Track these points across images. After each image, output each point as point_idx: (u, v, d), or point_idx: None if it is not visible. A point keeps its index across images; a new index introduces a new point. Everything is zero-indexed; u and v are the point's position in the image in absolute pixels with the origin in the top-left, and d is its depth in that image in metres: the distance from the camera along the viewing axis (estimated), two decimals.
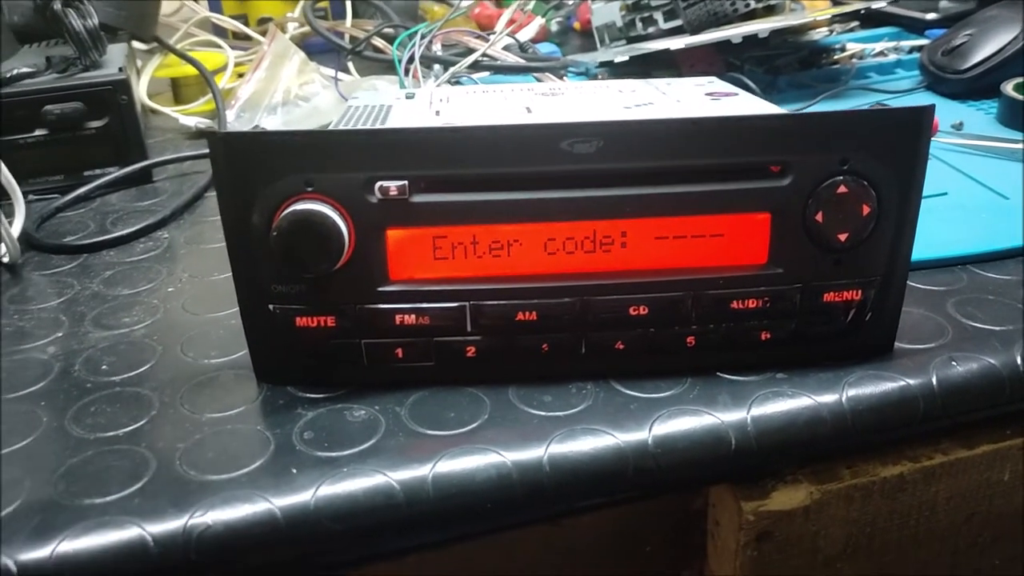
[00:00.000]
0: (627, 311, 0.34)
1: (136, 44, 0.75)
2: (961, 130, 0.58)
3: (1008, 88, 0.59)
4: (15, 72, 0.56)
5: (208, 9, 0.90)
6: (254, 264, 0.33)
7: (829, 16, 0.75)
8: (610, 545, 0.39)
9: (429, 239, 0.33)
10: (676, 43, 0.65)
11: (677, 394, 0.34)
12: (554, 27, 0.94)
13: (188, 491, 0.30)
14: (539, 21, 0.84)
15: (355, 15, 0.88)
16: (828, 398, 0.34)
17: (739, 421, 0.33)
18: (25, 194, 0.50)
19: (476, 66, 0.68)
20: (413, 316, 0.34)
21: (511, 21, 0.74)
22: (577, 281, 0.34)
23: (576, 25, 0.95)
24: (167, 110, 0.72)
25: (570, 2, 0.93)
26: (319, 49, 0.84)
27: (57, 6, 0.58)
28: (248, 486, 0.30)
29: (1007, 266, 0.42)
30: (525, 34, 0.78)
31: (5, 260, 0.47)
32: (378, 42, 0.76)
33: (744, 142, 0.32)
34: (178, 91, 0.79)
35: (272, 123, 0.67)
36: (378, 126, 0.39)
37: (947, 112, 0.61)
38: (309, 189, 0.32)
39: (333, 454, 0.31)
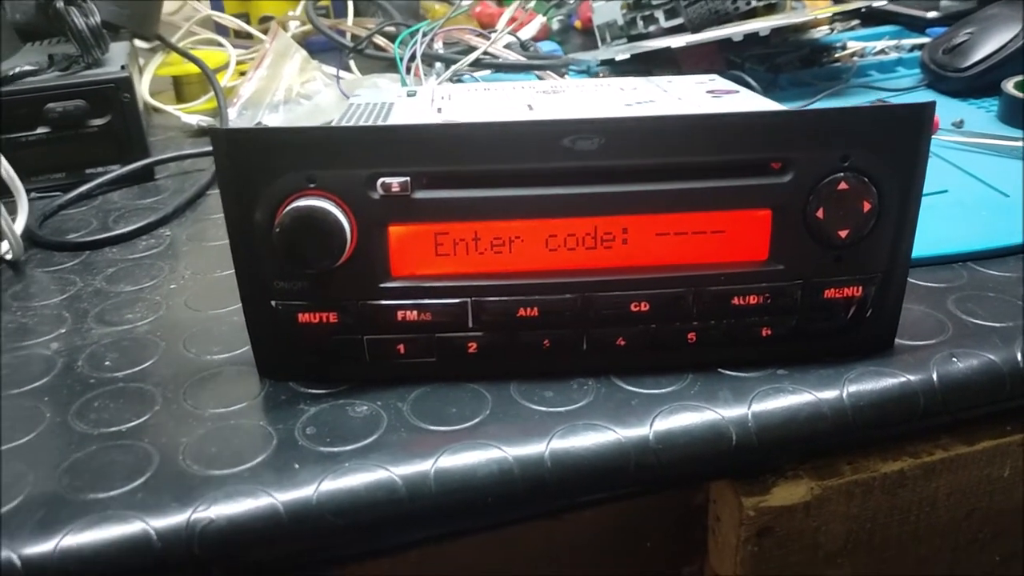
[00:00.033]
0: (628, 307, 0.34)
1: (138, 42, 0.75)
2: (962, 128, 0.58)
3: (1009, 86, 0.60)
4: (17, 70, 0.56)
5: (210, 7, 0.90)
6: (256, 260, 0.33)
7: (830, 14, 0.75)
8: (611, 540, 0.39)
9: (431, 235, 0.33)
10: (677, 41, 0.65)
11: (678, 390, 0.34)
12: (555, 25, 0.94)
13: (191, 486, 0.30)
14: (540, 19, 0.84)
15: (357, 13, 0.88)
16: (829, 394, 0.34)
17: (740, 417, 0.33)
18: (28, 191, 0.50)
19: (477, 64, 0.68)
20: (415, 312, 0.34)
21: (512, 19, 0.74)
22: (578, 277, 0.34)
23: (577, 23, 0.95)
24: (169, 108, 0.72)
25: (571, 0, 0.93)
26: (321, 47, 0.84)
27: (59, 4, 0.58)
28: (251, 481, 0.30)
29: (1007, 263, 0.42)
30: (526, 32, 0.78)
31: (8, 257, 0.48)
32: (380, 40, 0.76)
33: (745, 139, 0.33)
34: (180, 89, 0.79)
35: (274, 121, 0.67)
36: (380, 123, 0.39)
37: (948, 110, 0.61)
38: (311, 185, 0.32)
39: (335, 449, 0.32)
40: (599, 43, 0.80)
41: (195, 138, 0.69)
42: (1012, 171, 0.51)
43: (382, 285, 0.33)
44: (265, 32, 0.83)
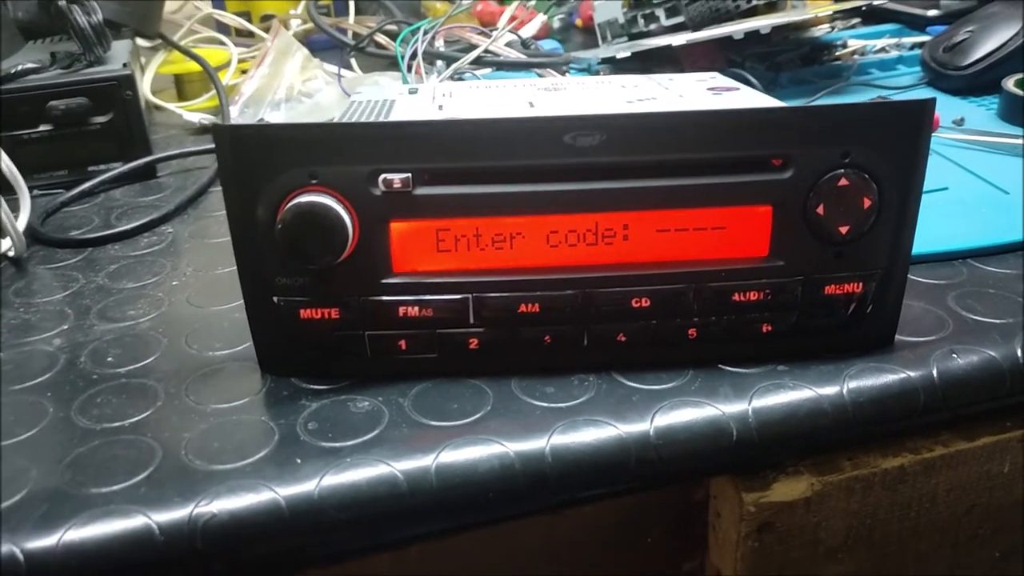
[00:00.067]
0: (629, 303, 0.34)
1: (140, 41, 0.75)
2: (962, 125, 0.58)
3: (1009, 84, 0.60)
4: (20, 68, 0.56)
5: (212, 6, 0.90)
6: (258, 256, 0.33)
7: (831, 12, 0.75)
8: (612, 536, 0.39)
9: (432, 231, 0.33)
10: (678, 39, 0.66)
11: (679, 386, 0.34)
12: (556, 24, 0.94)
13: (193, 480, 0.30)
14: (541, 18, 0.84)
15: (358, 11, 0.88)
16: (829, 390, 0.34)
17: (740, 413, 0.33)
18: (30, 189, 0.51)
19: (479, 62, 0.69)
20: (416, 308, 0.34)
21: (513, 17, 0.74)
22: (579, 273, 0.34)
23: (578, 22, 0.95)
24: (171, 106, 0.73)
25: None
26: (322, 46, 0.84)
27: (62, 2, 0.58)
28: (253, 476, 0.30)
29: (1007, 260, 0.43)
30: (527, 31, 0.78)
31: (11, 254, 0.48)
32: (381, 38, 0.76)
33: (745, 135, 0.33)
34: (182, 87, 0.79)
35: (275, 119, 0.67)
36: (382, 120, 0.39)
37: (948, 108, 0.61)
38: (313, 182, 0.32)
39: (337, 444, 0.32)
40: (600, 41, 0.80)
41: (197, 136, 0.69)
42: (1012, 168, 0.51)
43: (383, 281, 0.34)
44: (267, 30, 0.83)
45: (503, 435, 0.32)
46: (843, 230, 0.33)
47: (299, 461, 0.31)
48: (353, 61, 0.79)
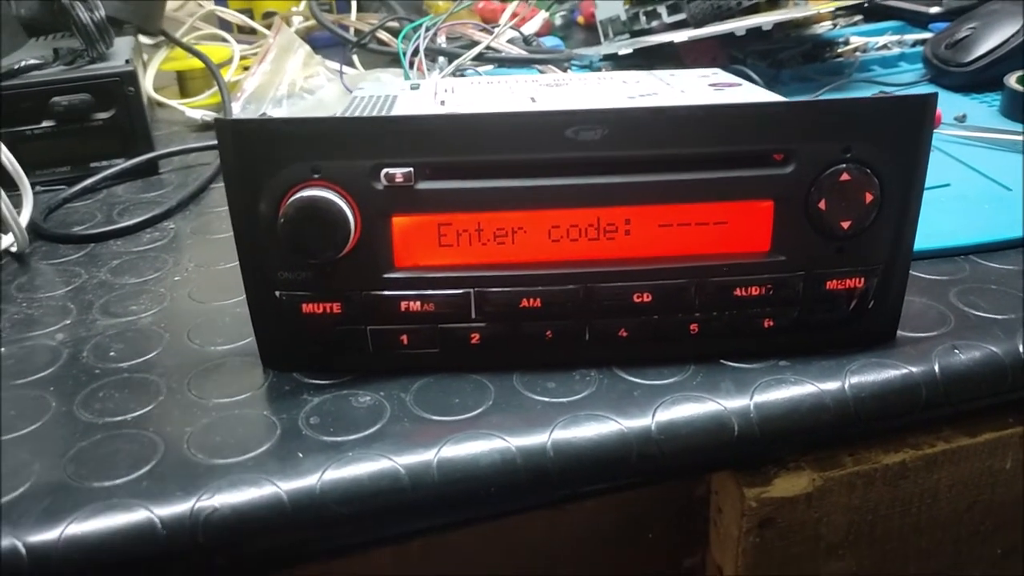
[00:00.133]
0: (631, 298, 0.34)
1: (142, 38, 0.76)
2: (964, 122, 0.58)
3: (1011, 81, 0.60)
4: (23, 64, 0.56)
5: (214, 3, 0.90)
6: (260, 251, 0.33)
7: (832, 9, 0.75)
8: (613, 531, 0.39)
9: (434, 226, 0.33)
10: (680, 36, 0.65)
11: (680, 381, 0.34)
12: (558, 21, 0.94)
13: (196, 474, 0.30)
14: (543, 15, 0.84)
15: (360, 8, 0.88)
16: (831, 385, 0.34)
17: (742, 408, 0.33)
18: (33, 185, 0.51)
19: (480, 59, 0.69)
20: (418, 303, 0.34)
21: (515, 14, 0.74)
22: (581, 268, 0.34)
23: (580, 19, 0.95)
24: (173, 103, 0.73)
25: None
26: (324, 43, 0.84)
27: None
28: (255, 470, 0.30)
29: (1009, 256, 0.43)
30: (529, 28, 0.78)
31: (13, 249, 0.48)
32: (383, 35, 0.76)
33: (747, 130, 0.33)
34: (184, 84, 0.80)
35: (277, 115, 0.67)
36: (384, 114, 0.39)
37: (950, 105, 0.61)
38: (316, 176, 0.32)
39: (339, 439, 0.32)
40: (601, 39, 0.80)
41: (199, 132, 0.69)
42: (1014, 165, 0.51)
43: (386, 276, 0.34)
44: (269, 27, 0.83)
45: (505, 430, 0.32)
46: (845, 225, 0.33)
47: (301, 455, 0.31)
48: (355, 58, 0.79)
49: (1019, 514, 0.39)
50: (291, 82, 0.70)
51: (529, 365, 0.35)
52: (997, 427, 0.37)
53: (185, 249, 0.49)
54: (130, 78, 0.58)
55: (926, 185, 0.34)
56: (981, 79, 0.64)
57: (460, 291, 0.34)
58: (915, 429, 0.36)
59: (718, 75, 0.47)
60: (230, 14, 0.89)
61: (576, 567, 0.40)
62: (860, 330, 0.36)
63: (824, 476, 0.35)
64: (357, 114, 0.39)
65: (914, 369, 0.35)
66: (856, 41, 0.75)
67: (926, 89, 0.67)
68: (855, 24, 0.81)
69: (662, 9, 0.74)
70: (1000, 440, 0.37)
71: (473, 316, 0.34)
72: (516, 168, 0.33)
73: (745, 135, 0.33)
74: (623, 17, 0.77)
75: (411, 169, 0.32)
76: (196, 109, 0.71)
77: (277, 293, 0.34)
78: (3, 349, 0.38)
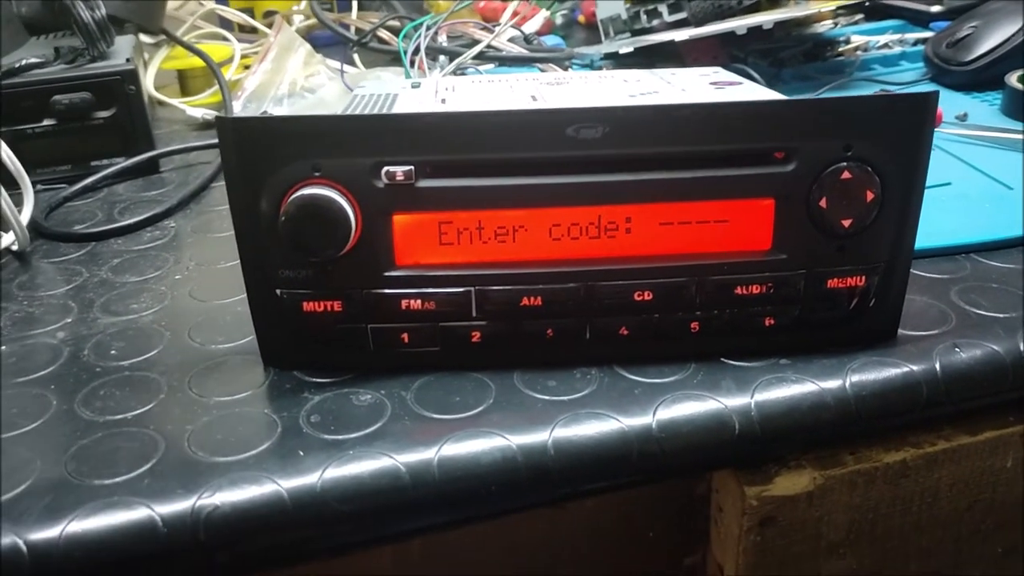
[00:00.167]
0: (631, 297, 0.34)
1: (143, 37, 0.76)
2: (965, 121, 0.58)
3: (1012, 79, 0.59)
4: (24, 62, 0.56)
5: (215, 2, 0.90)
6: (261, 249, 0.33)
7: (833, 8, 0.75)
8: (613, 530, 0.39)
9: (435, 224, 0.33)
10: (680, 35, 0.65)
11: (681, 379, 0.34)
12: (559, 20, 0.94)
13: (196, 472, 0.30)
14: (544, 14, 0.84)
15: (361, 7, 0.88)
16: (832, 384, 0.34)
17: (743, 406, 0.33)
18: (34, 183, 0.51)
19: (481, 57, 0.69)
20: (419, 301, 0.34)
21: (515, 13, 0.74)
22: (582, 267, 0.34)
23: (581, 18, 0.95)
24: (174, 101, 0.73)
25: None
26: (325, 42, 0.84)
27: None
28: (255, 468, 0.30)
29: (1010, 255, 0.43)
30: (530, 26, 0.78)
31: (14, 248, 0.48)
32: (384, 34, 0.76)
33: (748, 128, 0.33)
34: (185, 83, 0.80)
35: (278, 114, 0.67)
36: (384, 112, 0.39)
37: (951, 103, 0.61)
38: (316, 174, 0.32)
39: (339, 437, 0.32)
40: (602, 37, 0.80)
41: (199, 131, 0.69)
42: (1015, 164, 0.51)
43: (386, 274, 0.34)
44: (269, 26, 0.83)
45: (505, 428, 0.32)
46: (846, 223, 0.33)
47: (302, 453, 0.31)
48: (356, 57, 0.79)
49: (1020, 513, 0.39)
50: (292, 81, 0.70)
51: (530, 363, 0.35)
52: (998, 426, 0.37)
53: (186, 247, 0.49)
54: (131, 77, 0.58)
55: (927, 184, 0.34)
56: (982, 78, 0.64)
57: (461, 289, 0.34)
58: (916, 428, 0.36)
59: (719, 74, 0.47)
60: (231, 13, 0.89)
61: (576, 565, 0.40)
62: (861, 328, 0.36)
63: (825, 475, 0.35)
64: (358, 112, 0.39)
65: (915, 368, 0.34)
66: (857, 40, 0.75)
67: (927, 88, 0.66)
68: (856, 23, 0.81)
69: (663, 8, 0.74)
70: (1001, 439, 0.37)
71: (474, 314, 0.34)
72: (517, 166, 0.33)
73: (746, 133, 0.33)
74: (624, 16, 0.77)
75: (412, 167, 0.32)
76: (197, 108, 0.71)
77: (278, 291, 0.34)
78: (4, 347, 0.38)
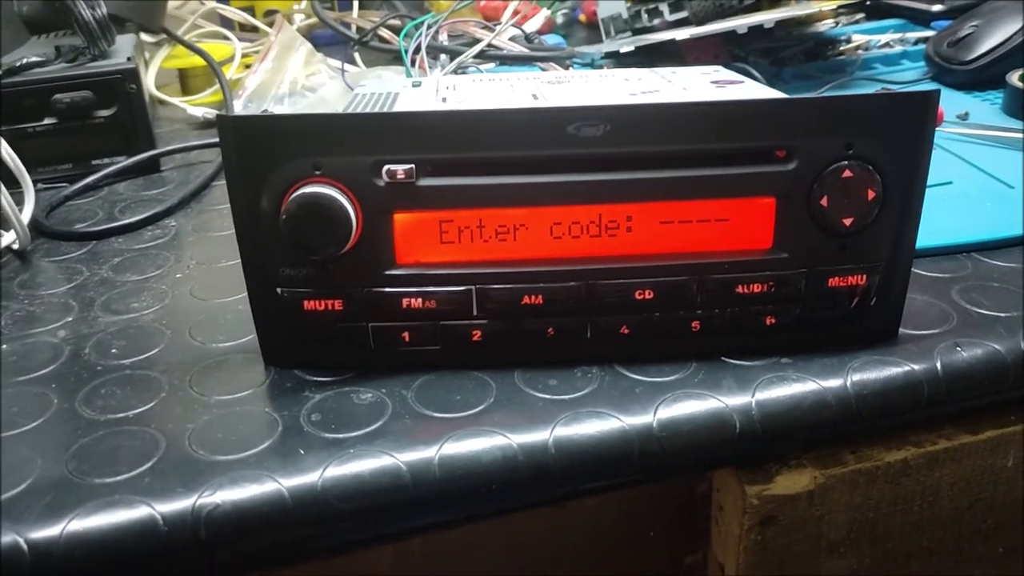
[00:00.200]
0: (632, 295, 0.34)
1: (144, 36, 0.76)
2: (966, 120, 0.58)
3: (1014, 78, 0.59)
4: (25, 61, 0.56)
5: (216, 1, 0.90)
6: (262, 248, 0.33)
7: (834, 7, 0.75)
8: (614, 529, 0.39)
9: (436, 223, 0.33)
10: (681, 34, 0.65)
11: (682, 378, 0.34)
12: (560, 19, 0.94)
13: (197, 471, 0.30)
14: (545, 13, 0.84)
15: (361, 6, 0.88)
16: (833, 383, 0.34)
17: (743, 405, 0.33)
18: (34, 182, 0.51)
19: (482, 56, 0.69)
20: (420, 300, 0.34)
21: (516, 12, 0.74)
22: (583, 265, 0.34)
23: (582, 17, 0.95)
24: (175, 100, 0.73)
25: None
26: (326, 41, 0.84)
27: None
28: (256, 466, 0.30)
29: (1012, 254, 0.42)
30: (531, 25, 0.78)
31: (15, 247, 0.48)
32: (385, 33, 0.76)
33: (749, 126, 0.33)
34: (185, 82, 0.80)
35: (279, 112, 0.67)
36: (385, 111, 0.39)
37: (952, 102, 0.61)
38: (317, 173, 0.32)
39: (340, 436, 0.32)
40: (603, 36, 0.80)
41: (200, 130, 0.69)
42: (1016, 163, 0.51)
43: (387, 272, 0.34)
44: (270, 25, 0.83)
45: (506, 427, 0.32)
46: (847, 222, 0.33)
47: (302, 452, 0.31)
48: (357, 56, 0.79)
49: (1021, 512, 0.39)
50: (293, 80, 0.70)
51: (531, 362, 0.35)
52: (999, 425, 0.37)
53: (186, 246, 0.49)
54: (132, 75, 0.58)
55: (928, 182, 0.34)
56: (983, 77, 0.64)
57: (462, 288, 0.34)
58: (917, 427, 0.36)
59: (720, 72, 0.47)
60: (232, 12, 0.89)
61: (577, 564, 0.40)
62: (862, 327, 0.36)
63: (826, 474, 0.35)
64: (359, 111, 0.39)
65: (916, 367, 0.34)
66: (858, 39, 0.75)
67: (928, 87, 0.66)
68: (857, 22, 0.81)
69: (664, 7, 0.74)
70: (1002, 438, 0.37)
71: (475, 313, 0.34)
72: (518, 165, 0.33)
73: (747, 132, 0.33)
74: (625, 15, 0.77)
75: (413, 166, 0.32)
76: (198, 107, 0.71)
77: (279, 290, 0.34)
78: (5, 346, 0.38)
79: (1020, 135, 0.54)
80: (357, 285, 0.34)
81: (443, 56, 0.70)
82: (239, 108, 0.67)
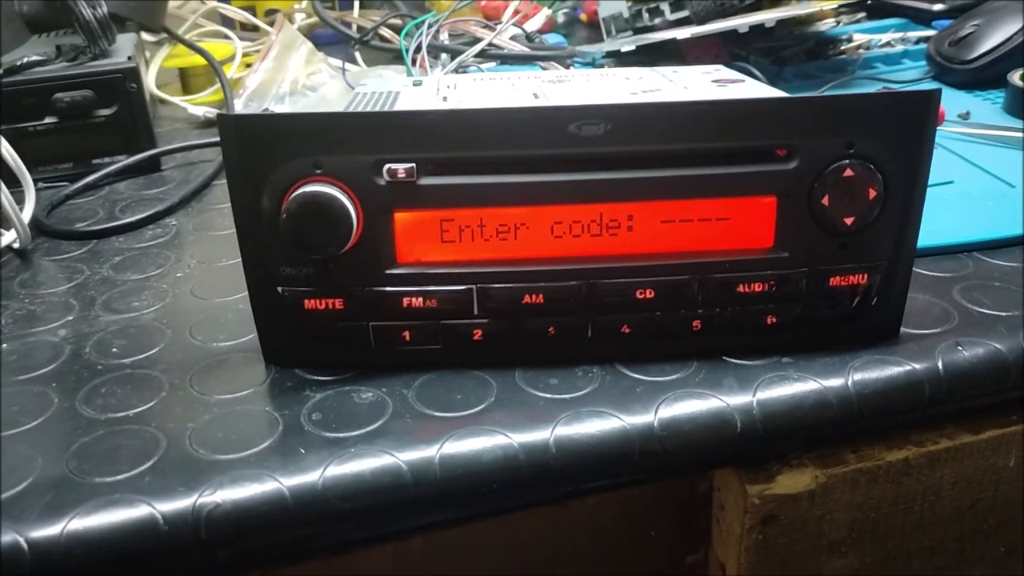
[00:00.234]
0: (633, 294, 0.34)
1: (145, 35, 0.76)
2: (967, 119, 0.58)
3: (1015, 78, 0.59)
4: (25, 60, 0.56)
5: (216, 0, 0.90)
6: (263, 247, 0.33)
7: (836, 6, 0.75)
8: (615, 528, 0.39)
9: (436, 222, 0.33)
10: (682, 33, 0.65)
11: (683, 377, 0.34)
12: (560, 18, 0.94)
13: (197, 470, 0.30)
14: (545, 12, 0.84)
15: (362, 5, 0.88)
16: (834, 382, 0.34)
17: (745, 404, 0.33)
18: (35, 181, 0.51)
19: (483, 55, 0.69)
20: (420, 299, 0.34)
21: (517, 11, 0.74)
22: (584, 264, 0.34)
23: (582, 16, 0.95)
24: (175, 100, 0.73)
25: None
26: (326, 40, 0.84)
27: None
28: (257, 466, 0.30)
29: (1013, 253, 0.42)
30: (532, 25, 0.78)
31: (16, 246, 0.48)
32: (385, 32, 0.76)
33: (750, 125, 0.33)
34: (186, 81, 0.80)
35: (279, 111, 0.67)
36: (386, 110, 0.39)
37: (954, 102, 0.61)
38: (318, 171, 0.32)
39: (341, 435, 0.32)
40: (604, 36, 0.80)
41: (201, 129, 0.69)
42: (1017, 162, 0.51)
43: (388, 271, 0.34)
44: (271, 24, 0.83)
45: (507, 426, 0.32)
46: (848, 221, 0.33)
47: (303, 451, 0.31)
48: (357, 55, 0.79)
49: (1022, 512, 0.39)
50: (293, 79, 0.70)
51: (531, 361, 0.35)
52: (1001, 424, 0.37)
53: (187, 245, 0.49)
54: (132, 75, 0.58)
55: (929, 182, 0.34)
56: (984, 76, 0.64)
57: (462, 287, 0.34)
58: (918, 426, 0.36)
59: (721, 72, 0.47)
60: (233, 11, 0.89)
61: (578, 564, 0.40)
62: (863, 327, 0.36)
63: (827, 473, 0.35)
64: (359, 110, 0.39)
65: (917, 366, 0.34)
66: (859, 38, 0.74)
67: (929, 86, 0.66)
68: (858, 21, 0.81)
69: (665, 6, 0.73)
70: (1004, 437, 0.37)
71: (475, 312, 0.34)
72: (518, 164, 0.33)
73: (748, 131, 0.33)
74: (626, 14, 0.77)
75: (413, 165, 0.32)
76: (198, 106, 0.71)
77: (279, 289, 0.34)
78: (5, 345, 0.38)
79: (1021, 134, 0.54)
80: (358, 284, 0.34)
81: (444, 55, 0.70)
82: (240, 107, 0.67)
